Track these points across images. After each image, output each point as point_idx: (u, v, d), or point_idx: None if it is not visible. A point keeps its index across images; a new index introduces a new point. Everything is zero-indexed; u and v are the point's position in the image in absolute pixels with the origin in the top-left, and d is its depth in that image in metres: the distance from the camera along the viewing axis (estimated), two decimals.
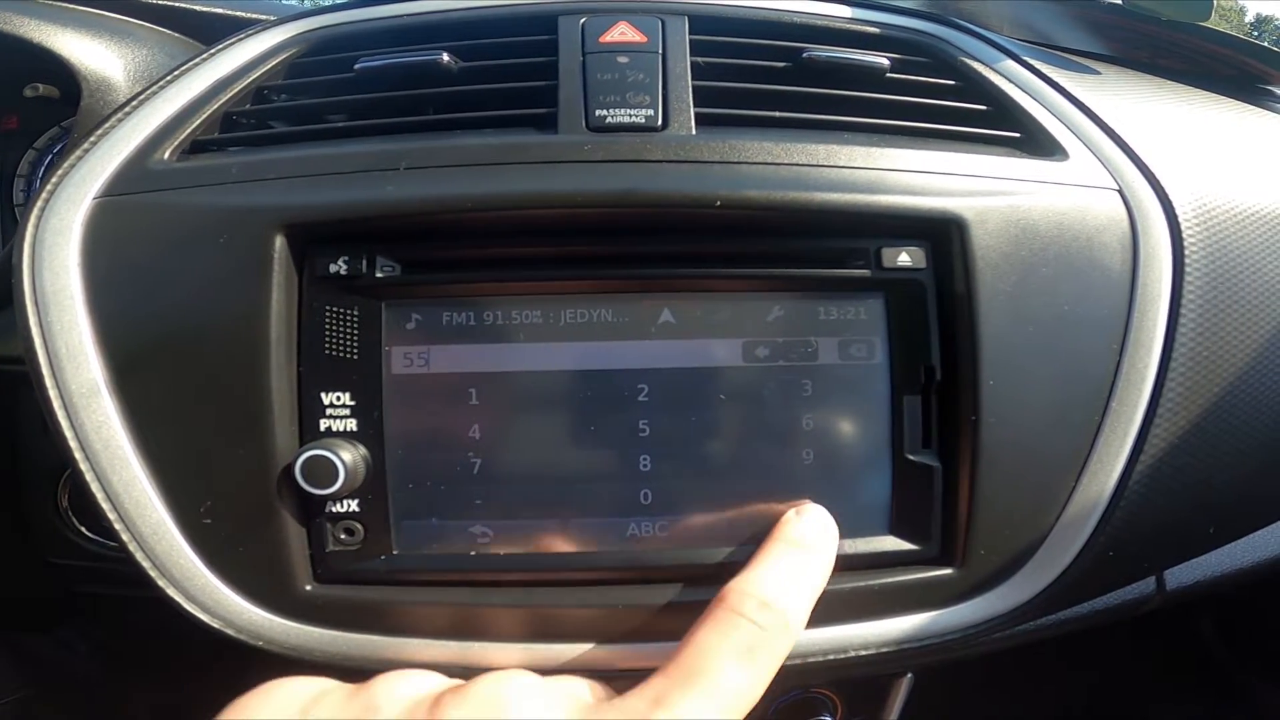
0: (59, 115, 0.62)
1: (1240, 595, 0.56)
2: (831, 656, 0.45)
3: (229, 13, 0.60)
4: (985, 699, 0.86)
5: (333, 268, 0.43)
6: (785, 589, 0.38)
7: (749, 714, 0.62)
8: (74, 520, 0.57)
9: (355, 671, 0.45)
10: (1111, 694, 0.87)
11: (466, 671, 0.44)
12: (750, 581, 0.38)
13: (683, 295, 0.45)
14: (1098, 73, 0.56)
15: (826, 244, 0.45)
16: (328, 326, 0.43)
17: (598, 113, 0.46)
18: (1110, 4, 0.62)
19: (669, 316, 0.45)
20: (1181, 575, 0.51)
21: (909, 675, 0.60)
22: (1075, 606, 0.49)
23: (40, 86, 0.55)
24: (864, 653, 0.45)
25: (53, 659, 0.82)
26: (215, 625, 0.43)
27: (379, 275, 0.43)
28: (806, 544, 0.41)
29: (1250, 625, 0.76)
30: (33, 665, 0.80)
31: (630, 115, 0.46)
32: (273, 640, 0.44)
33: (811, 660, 0.45)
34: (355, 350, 0.43)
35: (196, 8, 0.59)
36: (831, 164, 0.45)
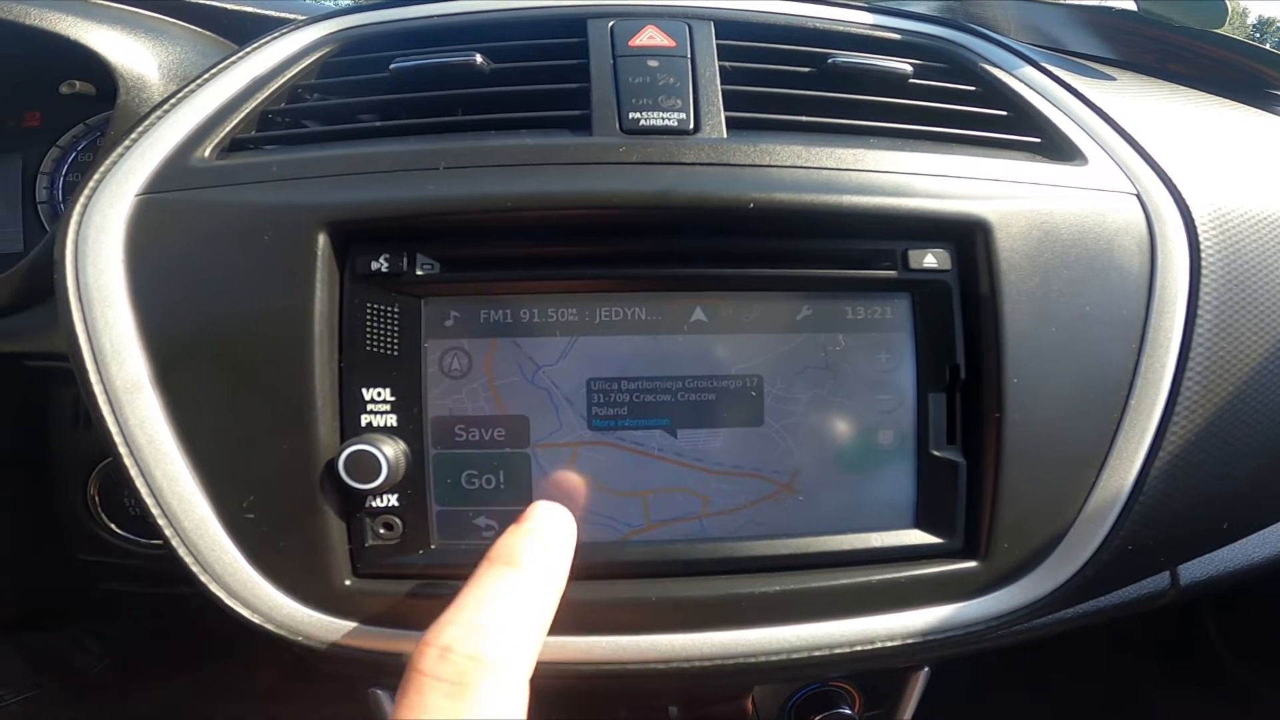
0: (82, 113, 0.62)
1: (1245, 593, 0.57)
2: (858, 648, 0.46)
3: (261, 11, 0.61)
4: (993, 694, 0.87)
5: (374, 265, 0.44)
6: (472, 626, 0.33)
7: (764, 704, 0.63)
8: (103, 516, 0.57)
9: (393, 667, 0.45)
10: (1116, 691, 0.89)
11: None
12: (434, 628, 0.33)
13: (714, 294, 0.46)
14: (1112, 78, 0.57)
15: (854, 245, 0.46)
16: (369, 323, 0.44)
17: (631, 115, 0.47)
18: (1123, 10, 0.63)
19: (701, 315, 0.46)
20: (1195, 570, 0.52)
21: (925, 669, 0.61)
22: (1093, 600, 0.50)
23: (77, 83, 0.55)
24: (890, 644, 0.46)
25: (64, 657, 0.82)
26: (256, 620, 0.43)
27: (419, 273, 0.44)
28: (505, 559, 0.36)
29: (1254, 623, 0.78)
30: (44, 663, 0.80)
31: (663, 118, 0.47)
32: (311, 636, 0.44)
33: (838, 652, 0.46)
34: (396, 347, 0.44)
35: (229, 6, 0.59)
36: (859, 168, 0.46)
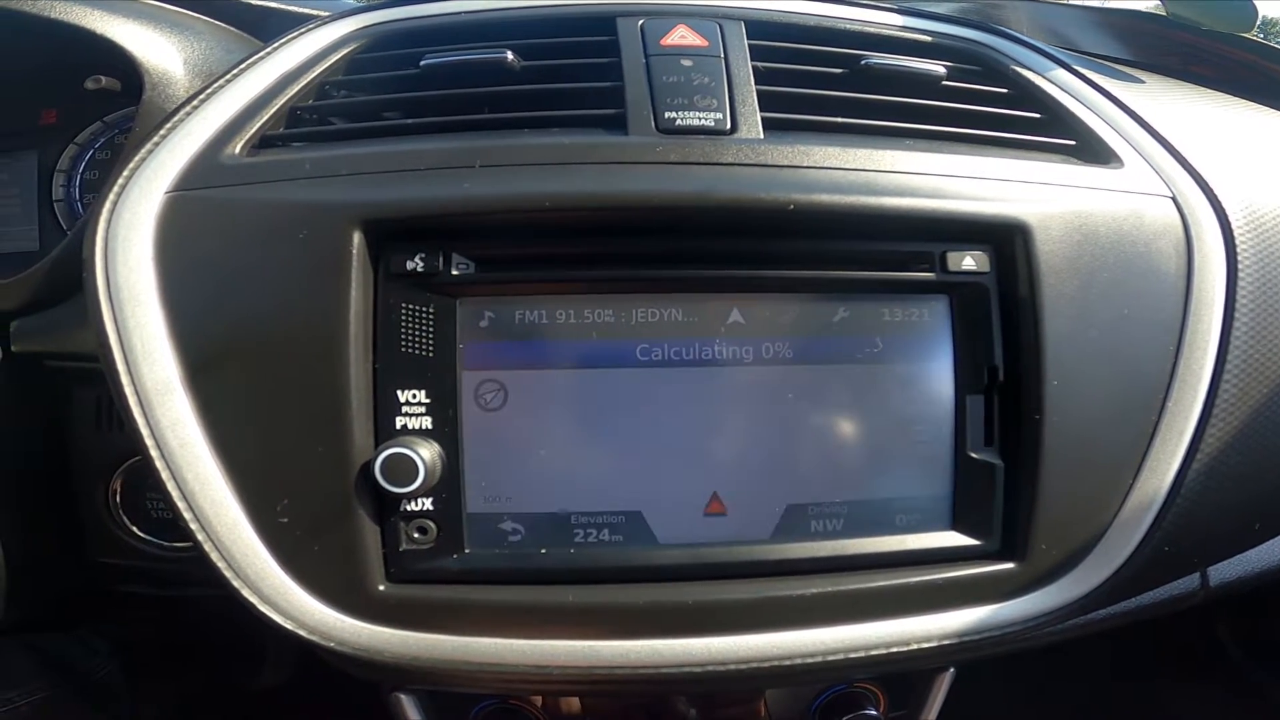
0: (100, 110, 0.61)
1: (1260, 594, 0.57)
2: (894, 650, 0.46)
3: (286, 7, 0.60)
4: (1007, 693, 0.87)
5: (409, 265, 0.43)
6: None
7: (787, 704, 0.62)
8: (124, 519, 0.56)
9: (425, 672, 0.45)
10: (1128, 690, 0.89)
11: (536, 670, 0.44)
12: None
13: (751, 296, 0.46)
14: (1141, 80, 0.57)
15: (892, 247, 0.46)
16: (403, 324, 0.43)
17: (667, 115, 0.46)
18: (1148, 13, 0.63)
19: (738, 316, 0.46)
20: (1225, 571, 0.52)
21: (950, 670, 0.61)
22: (1126, 601, 0.50)
23: (103, 79, 0.54)
24: (925, 646, 0.46)
25: (73, 659, 0.81)
26: (288, 626, 0.43)
27: (455, 273, 0.43)
28: None
29: (1268, 624, 0.79)
30: (53, 665, 0.79)
31: (699, 118, 0.46)
32: (344, 641, 0.43)
33: (874, 654, 0.46)
34: (431, 348, 0.43)
35: (254, 1, 0.59)
36: (898, 169, 0.46)
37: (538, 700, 0.57)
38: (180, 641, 0.88)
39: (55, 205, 0.61)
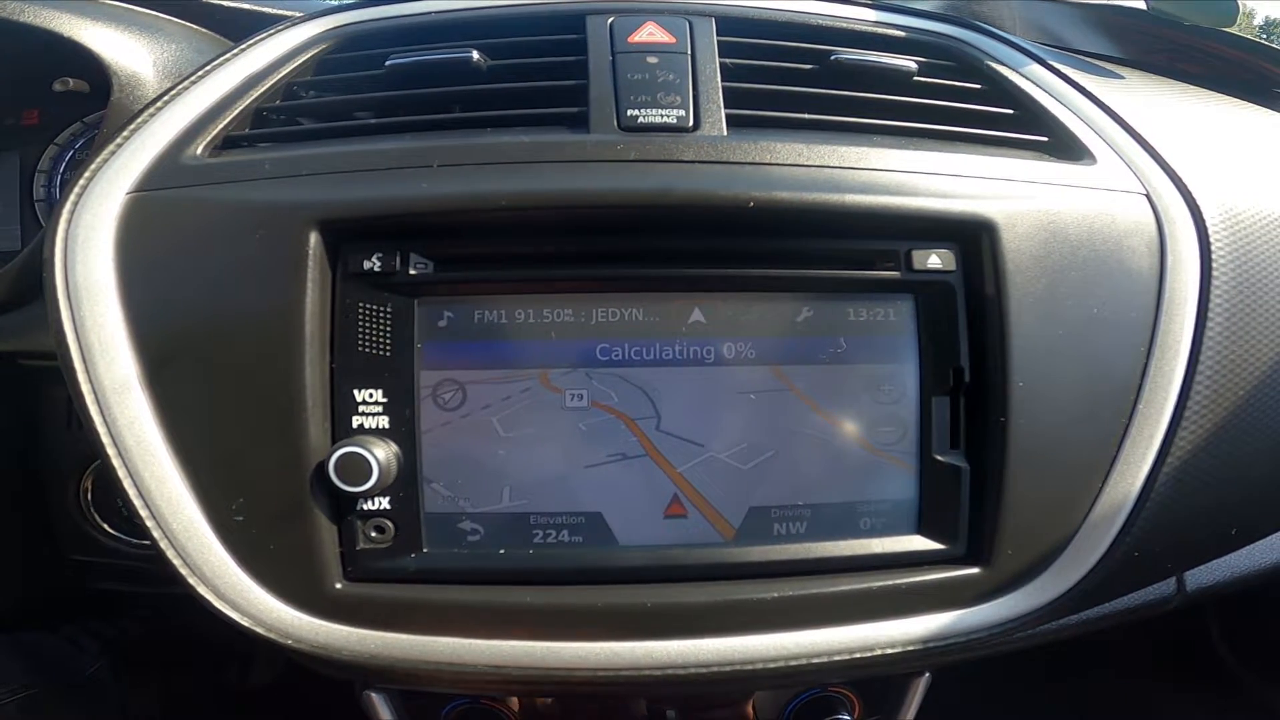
0: (80, 111, 0.61)
1: (1252, 597, 0.56)
2: (858, 655, 0.45)
3: (257, 8, 0.60)
4: (992, 697, 0.86)
5: (366, 264, 0.43)
6: None
7: (765, 711, 0.62)
8: (96, 517, 0.56)
9: (383, 670, 0.45)
10: (1116, 692, 0.88)
11: (494, 670, 0.44)
12: None
13: (713, 295, 0.45)
14: (1121, 76, 0.56)
15: (856, 245, 0.46)
16: (361, 323, 0.43)
17: (629, 112, 0.46)
18: (1132, 9, 0.62)
19: (699, 316, 0.45)
20: (1201, 576, 0.51)
21: (926, 675, 0.60)
22: (1098, 607, 0.49)
23: (70, 81, 0.54)
24: (890, 651, 0.45)
25: (61, 657, 0.82)
26: (245, 624, 0.43)
27: (412, 272, 0.43)
28: None
29: (1255, 626, 0.77)
30: (41, 663, 0.79)
31: (662, 115, 0.46)
32: (302, 639, 0.43)
33: (838, 659, 0.45)
34: (388, 348, 0.43)
35: (224, 3, 0.59)
36: (862, 166, 0.45)
37: (512, 702, 0.57)
38: (170, 640, 0.89)
39: (36, 205, 0.62)
